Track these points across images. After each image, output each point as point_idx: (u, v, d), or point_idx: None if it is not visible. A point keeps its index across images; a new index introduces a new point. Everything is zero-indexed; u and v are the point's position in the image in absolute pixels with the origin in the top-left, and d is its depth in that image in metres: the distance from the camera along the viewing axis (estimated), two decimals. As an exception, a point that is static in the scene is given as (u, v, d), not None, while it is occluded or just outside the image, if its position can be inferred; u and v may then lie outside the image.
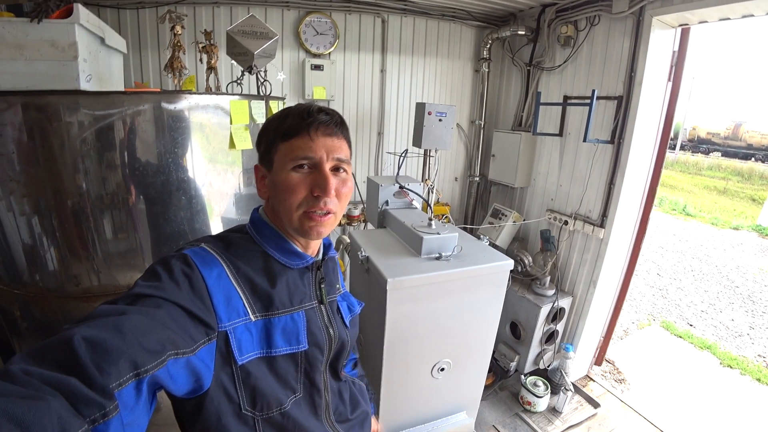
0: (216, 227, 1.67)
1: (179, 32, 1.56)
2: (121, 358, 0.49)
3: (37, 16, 1.16)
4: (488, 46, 3.16)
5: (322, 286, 0.85)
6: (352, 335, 0.95)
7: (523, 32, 2.92)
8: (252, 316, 0.72)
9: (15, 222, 1.39)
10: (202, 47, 1.68)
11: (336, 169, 0.78)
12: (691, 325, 4.32)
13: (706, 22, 2.20)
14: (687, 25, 2.29)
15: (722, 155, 19.64)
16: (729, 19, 2.12)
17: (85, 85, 1.28)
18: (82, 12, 1.23)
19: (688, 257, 6.75)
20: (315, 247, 0.86)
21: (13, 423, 0.36)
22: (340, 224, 2.96)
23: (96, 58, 1.41)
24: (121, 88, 1.70)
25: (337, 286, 0.95)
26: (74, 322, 0.52)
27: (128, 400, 0.49)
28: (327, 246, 0.92)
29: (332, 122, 0.77)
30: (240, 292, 0.72)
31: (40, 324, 1.58)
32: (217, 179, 1.62)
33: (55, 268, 1.46)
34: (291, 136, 0.75)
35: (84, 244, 1.43)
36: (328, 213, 0.76)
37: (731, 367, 3.48)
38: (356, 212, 2.94)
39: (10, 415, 0.36)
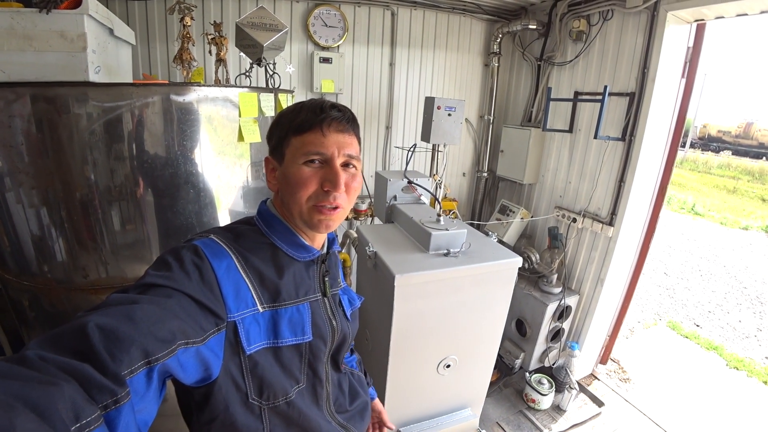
0: (224, 220, 1.66)
1: (188, 23, 1.54)
2: (133, 346, 0.50)
3: (46, 6, 1.15)
4: (498, 40, 3.12)
5: (326, 279, 0.87)
6: (353, 328, 0.98)
7: (535, 26, 2.88)
8: (260, 307, 0.73)
9: (24, 213, 1.40)
10: (212, 39, 1.66)
11: (346, 165, 0.79)
12: (697, 326, 4.29)
13: (723, 17, 2.15)
14: (703, 20, 2.24)
15: (733, 154, 19.36)
16: (747, 14, 2.07)
17: (93, 77, 1.27)
18: (90, 2, 1.22)
19: (696, 257, 6.68)
20: (321, 240, 0.88)
21: (29, 407, 0.37)
22: (347, 218, 2.95)
23: (105, 49, 1.40)
24: (130, 80, 1.70)
25: (339, 280, 0.96)
26: (87, 310, 0.53)
27: (139, 387, 0.50)
28: (331, 240, 0.94)
29: (344, 119, 0.79)
30: (248, 283, 0.73)
31: (48, 315, 1.59)
32: (226, 172, 1.61)
33: (64, 260, 1.46)
34: (304, 131, 0.76)
35: (92, 235, 1.44)
36: (337, 207, 0.77)
37: (738, 369, 3.45)
38: (363, 206, 2.93)
39: (26, 399, 0.37)
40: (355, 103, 2.97)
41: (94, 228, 1.43)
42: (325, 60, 2.73)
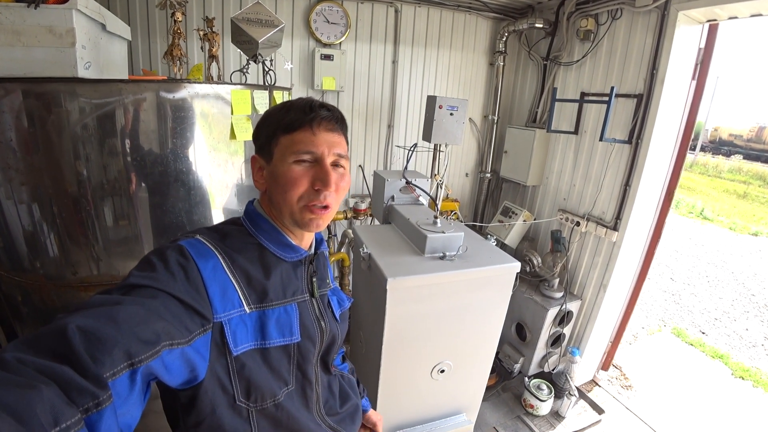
0: (217, 218, 1.64)
1: (179, 19, 1.52)
2: (115, 348, 0.49)
3: (34, 1, 1.13)
4: (504, 39, 3.06)
5: (314, 279, 0.87)
6: (342, 329, 0.96)
7: (541, 25, 2.82)
8: (247, 308, 0.72)
9: (15, 209, 1.39)
10: (203, 35, 1.63)
11: (335, 164, 0.79)
12: (703, 333, 4.20)
13: (736, 18, 2.08)
14: (715, 20, 2.17)
15: (744, 158, 18.99)
16: (761, 15, 2.00)
17: (83, 73, 1.25)
18: (80, -4, 1.20)
19: (703, 262, 6.56)
20: (308, 240, 0.87)
21: (6, 411, 0.36)
22: (346, 217, 2.92)
23: (96, 44, 1.37)
24: (125, 76, 1.67)
25: (327, 281, 0.95)
26: (69, 311, 0.52)
27: (122, 389, 0.49)
28: (319, 241, 0.93)
29: (333, 118, 0.79)
30: (235, 284, 0.72)
31: (39, 311, 1.58)
32: (218, 170, 1.59)
33: (54, 256, 1.45)
34: (293, 129, 0.76)
35: (83, 232, 1.42)
36: (327, 207, 0.78)
37: (743, 379, 3.37)
38: (363, 206, 2.90)
39: (3, 403, 0.36)
40: (356, 101, 2.93)
41: (85, 225, 1.41)
42: (327, 57, 2.70)
